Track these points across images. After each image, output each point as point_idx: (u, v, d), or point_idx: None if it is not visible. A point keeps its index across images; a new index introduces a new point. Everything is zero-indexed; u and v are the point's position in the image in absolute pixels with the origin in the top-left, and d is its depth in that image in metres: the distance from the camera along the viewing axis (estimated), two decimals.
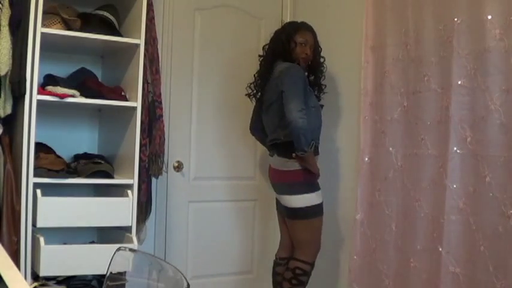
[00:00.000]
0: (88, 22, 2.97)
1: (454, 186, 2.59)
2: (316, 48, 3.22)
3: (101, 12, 3.01)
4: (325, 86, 3.31)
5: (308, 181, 3.04)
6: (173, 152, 3.55)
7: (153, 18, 3.19)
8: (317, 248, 3.13)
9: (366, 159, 3.12)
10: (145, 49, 3.04)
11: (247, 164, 3.86)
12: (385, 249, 2.98)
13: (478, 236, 2.49)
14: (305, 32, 3.16)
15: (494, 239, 2.42)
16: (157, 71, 3.20)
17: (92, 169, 2.92)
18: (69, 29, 2.89)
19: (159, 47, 3.25)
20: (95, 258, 2.75)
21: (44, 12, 2.74)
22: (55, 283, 2.83)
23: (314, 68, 3.25)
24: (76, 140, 3.28)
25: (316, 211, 3.06)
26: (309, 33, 3.17)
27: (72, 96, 2.83)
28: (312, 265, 3.11)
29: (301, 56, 3.11)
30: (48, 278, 2.80)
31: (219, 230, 3.74)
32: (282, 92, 2.94)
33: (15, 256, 2.64)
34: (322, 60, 3.26)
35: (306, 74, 3.21)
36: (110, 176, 2.98)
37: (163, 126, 3.23)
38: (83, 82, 3.01)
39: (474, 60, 2.53)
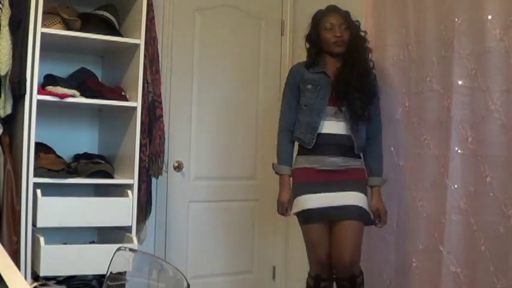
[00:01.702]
0: (88, 22, 2.97)
1: (455, 186, 2.59)
2: (351, 26, 2.84)
3: (100, 12, 3.01)
4: (373, 63, 2.88)
5: (293, 184, 2.87)
6: (173, 152, 3.55)
7: (153, 18, 3.19)
8: (311, 259, 2.81)
9: None
10: (145, 49, 3.03)
11: (247, 164, 3.85)
12: (386, 248, 2.98)
13: (479, 236, 2.49)
14: (330, 15, 2.85)
15: (495, 239, 2.42)
16: (157, 71, 3.20)
17: (92, 169, 2.92)
18: (69, 29, 2.89)
19: (159, 47, 3.25)
20: (95, 258, 2.75)
21: (44, 12, 2.74)
22: (55, 283, 2.83)
23: (353, 47, 2.83)
24: (76, 140, 3.28)
25: (299, 219, 2.84)
26: (334, 14, 2.85)
27: (72, 96, 2.83)
28: (313, 278, 2.80)
29: (332, 40, 2.81)
30: (48, 278, 2.80)
31: (219, 230, 3.74)
32: None
33: (15, 256, 2.64)
34: (363, 34, 2.88)
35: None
36: (110, 176, 2.98)
37: (163, 126, 3.22)
38: (83, 82, 3.01)
39: (475, 61, 2.53)
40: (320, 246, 2.77)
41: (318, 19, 2.88)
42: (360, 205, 2.72)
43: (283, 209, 2.86)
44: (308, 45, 2.93)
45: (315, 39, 2.88)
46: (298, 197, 2.80)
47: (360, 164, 2.84)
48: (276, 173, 2.95)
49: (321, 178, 2.78)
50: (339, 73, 2.81)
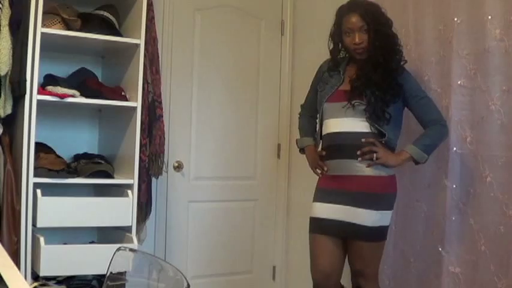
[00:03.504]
0: (88, 22, 2.97)
1: (454, 186, 2.59)
2: (372, 27, 2.48)
3: (101, 12, 3.01)
4: (404, 61, 2.58)
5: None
6: (173, 152, 3.55)
7: (153, 18, 3.19)
8: (311, 267, 2.63)
9: None
10: (145, 49, 3.04)
11: (247, 164, 3.86)
12: (386, 249, 2.98)
13: (479, 236, 2.49)
14: (349, 16, 2.52)
15: (496, 238, 2.42)
16: (157, 71, 3.20)
17: (92, 169, 2.92)
18: (69, 29, 2.89)
19: (159, 47, 3.25)
20: (95, 258, 2.75)
21: (44, 12, 2.74)
22: (55, 283, 2.83)
23: (376, 49, 2.50)
24: (76, 140, 3.28)
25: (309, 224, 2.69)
26: (353, 14, 2.50)
27: (72, 96, 2.84)
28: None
29: (351, 48, 2.55)
30: (48, 278, 2.80)
31: (219, 230, 3.74)
32: None
33: (15, 256, 2.64)
34: (388, 31, 2.53)
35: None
36: (110, 176, 2.98)
37: (163, 126, 3.22)
38: (83, 82, 3.01)
39: (474, 61, 2.53)
40: (322, 257, 2.58)
41: (339, 19, 2.59)
42: (370, 225, 2.47)
43: (318, 172, 2.66)
44: (331, 46, 2.67)
45: (337, 42, 2.64)
46: (313, 203, 2.64)
47: (371, 171, 2.49)
48: (300, 150, 2.81)
49: (332, 185, 2.58)
50: (359, 70, 2.57)
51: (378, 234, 2.52)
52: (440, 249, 2.64)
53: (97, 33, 2.90)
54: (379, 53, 2.50)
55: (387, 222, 2.56)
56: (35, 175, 2.73)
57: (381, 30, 2.51)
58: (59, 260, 2.73)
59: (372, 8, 2.56)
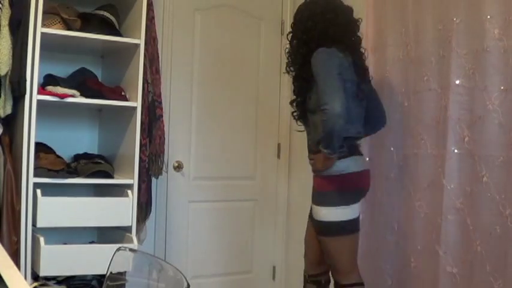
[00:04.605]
0: (88, 22, 2.98)
1: (452, 186, 2.59)
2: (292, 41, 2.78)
3: (101, 12, 3.01)
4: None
5: None
6: (173, 152, 3.55)
7: (153, 18, 3.20)
8: None
9: (367, 159, 3.11)
10: (145, 49, 3.04)
11: (247, 164, 3.86)
12: (388, 249, 2.99)
13: (475, 236, 2.49)
14: None
15: (492, 239, 2.42)
16: (157, 71, 3.21)
17: (92, 169, 2.93)
18: (69, 29, 2.89)
19: (159, 47, 3.25)
20: (95, 258, 2.76)
21: (44, 12, 2.74)
22: (55, 283, 2.84)
23: None
24: (76, 140, 3.28)
25: None
26: None
27: (72, 96, 2.84)
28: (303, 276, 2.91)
29: None
30: (48, 278, 2.80)
31: (219, 230, 3.74)
32: None
33: (15, 256, 2.64)
34: (299, 33, 2.77)
35: None
36: (110, 176, 2.98)
37: (163, 126, 3.23)
38: (83, 82, 3.01)
39: (473, 60, 2.53)
40: (306, 243, 2.86)
41: None
42: (318, 219, 2.63)
43: None
44: None
45: None
46: None
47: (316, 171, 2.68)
48: None
49: None
50: None
51: (329, 229, 2.61)
52: (437, 249, 2.64)
53: (97, 33, 2.90)
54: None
55: (339, 218, 2.59)
56: (35, 175, 2.73)
57: (294, 38, 2.76)
58: (59, 260, 2.73)
59: (296, 16, 2.84)
